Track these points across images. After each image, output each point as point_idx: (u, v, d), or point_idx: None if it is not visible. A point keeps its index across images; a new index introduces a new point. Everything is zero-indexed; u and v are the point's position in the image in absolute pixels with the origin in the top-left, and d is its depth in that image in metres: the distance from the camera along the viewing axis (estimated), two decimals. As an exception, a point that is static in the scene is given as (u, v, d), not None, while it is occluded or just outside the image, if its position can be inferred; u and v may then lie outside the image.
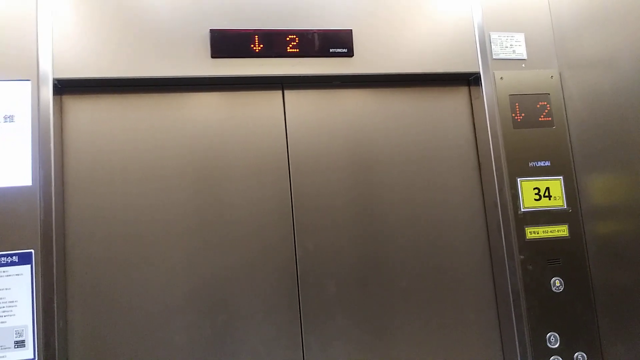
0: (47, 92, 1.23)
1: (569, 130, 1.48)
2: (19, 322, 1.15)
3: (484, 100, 1.46)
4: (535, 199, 1.43)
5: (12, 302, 1.15)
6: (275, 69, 1.38)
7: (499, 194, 1.43)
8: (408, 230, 1.45)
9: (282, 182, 1.41)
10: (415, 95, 1.52)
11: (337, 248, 1.41)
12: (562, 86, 1.50)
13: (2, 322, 1.14)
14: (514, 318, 1.37)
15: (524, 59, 1.50)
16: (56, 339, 1.16)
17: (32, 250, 1.17)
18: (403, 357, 1.39)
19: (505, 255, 1.40)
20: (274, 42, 1.37)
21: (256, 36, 1.37)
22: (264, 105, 1.44)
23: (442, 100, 1.54)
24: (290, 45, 1.38)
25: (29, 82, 1.23)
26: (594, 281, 1.40)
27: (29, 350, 1.14)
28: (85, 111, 1.33)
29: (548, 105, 1.48)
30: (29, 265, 1.16)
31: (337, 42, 1.40)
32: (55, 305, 1.17)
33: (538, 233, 1.41)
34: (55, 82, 1.27)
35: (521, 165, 1.44)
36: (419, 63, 1.46)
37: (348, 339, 1.37)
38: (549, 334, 1.36)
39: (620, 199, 1.30)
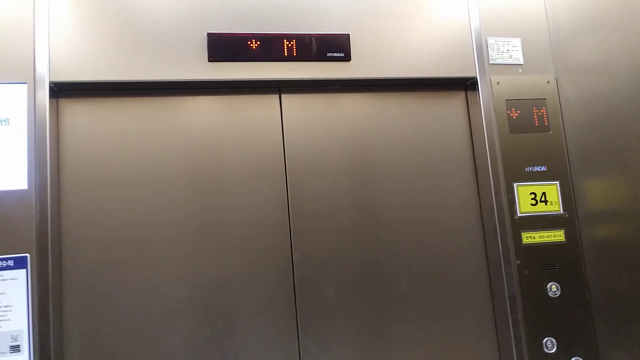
0: (44, 95, 1.23)
1: (565, 135, 1.48)
2: (14, 326, 1.14)
3: (480, 105, 1.47)
4: (532, 204, 1.43)
5: (7, 306, 1.15)
6: (272, 72, 1.38)
7: (496, 199, 1.43)
8: (404, 234, 1.45)
9: (279, 186, 1.41)
10: (412, 99, 1.53)
11: (334, 252, 1.41)
12: (558, 91, 1.50)
13: (-3, 327, 1.14)
14: (510, 323, 1.37)
15: (521, 64, 1.51)
16: (51, 344, 1.16)
17: (28, 255, 1.16)
18: (399, 362, 1.39)
19: (502, 260, 1.40)
20: (271, 46, 1.38)
21: (253, 40, 1.37)
22: (261, 109, 1.44)
23: (438, 105, 1.54)
24: (288, 49, 1.38)
25: (25, 85, 1.22)
26: (591, 286, 1.40)
27: (24, 355, 1.14)
28: (81, 114, 1.33)
29: (544, 110, 1.48)
30: (24, 270, 1.16)
31: (334, 47, 1.41)
32: (50, 309, 1.16)
33: (534, 238, 1.41)
34: (52, 85, 1.27)
35: (517, 170, 1.44)
36: (416, 67, 1.46)
37: (344, 342, 1.37)
38: (545, 339, 1.36)
39: (616, 204, 1.31)
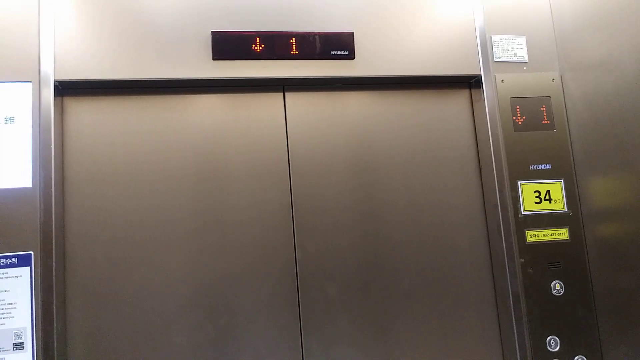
0: (48, 93, 1.23)
1: (569, 133, 1.48)
2: (17, 324, 1.14)
3: (485, 102, 1.46)
4: (536, 202, 1.43)
5: (11, 304, 1.15)
6: (276, 71, 1.38)
7: (500, 197, 1.43)
8: (408, 233, 1.45)
9: (283, 184, 1.41)
10: (416, 97, 1.52)
11: (337, 250, 1.40)
12: (563, 89, 1.50)
13: (0, 324, 1.14)
14: (514, 321, 1.37)
15: (525, 62, 1.50)
16: (55, 341, 1.16)
17: (32, 252, 1.17)
18: (403, 360, 1.39)
19: (506, 258, 1.40)
20: (275, 44, 1.37)
21: (257, 38, 1.37)
22: (265, 108, 1.44)
23: (443, 103, 1.54)
24: (292, 48, 1.38)
25: (30, 84, 1.23)
26: (595, 284, 1.40)
27: (27, 353, 1.14)
28: (86, 113, 1.33)
29: (549, 108, 1.48)
30: (28, 267, 1.16)
31: (338, 45, 1.41)
32: (54, 307, 1.16)
33: (538, 236, 1.41)
34: (57, 83, 1.27)
35: (522, 168, 1.44)
36: (421, 65, 1.46)
37: (347, 341, 1.37)
38: (549, 338, 1.36)
39: (621, 202, 1.30)
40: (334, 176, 1.44)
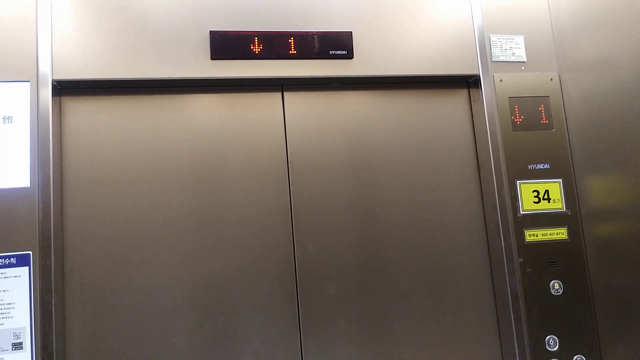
0: (46, 93, 1.23)
1: (568, 132, 1.48)
2: (16, 324, 1.14)
3: (483, 102, 1.47)
4: (535, 202, 1.43)
5: (10, 304, 1.15)
6: (275, 70, 1.38)
7: (498, 197, 1.43)
8: (407, 232, 1.45)
9: (282, 184, 1.41)
10: (414, 97, 1.53)
11: (336, 250, 1.41)
12: (561, 89, 1.50)
13: (-1, 324, 1.14)
14: (513, 321, 1.37)
15: (524, 62, 1.50)
16: (54, 341, 1.16)
17: (31, 252, 1.17)
18: (402, 360, 1.39)
19: (505, 257, 1.40)
20: (273, 44, 1.37)
21: (256, 38, 1.37)
22: (264, 107, 1.44)
23: (441, 103, 1.54)
24: (290, 47, 1.38)
25: (28, 83, 1.23)
26: (593, 284, 1.40)
27: (26, 353, 1.14)
28: (84, 112, 1.33)
29: (548, 108, 1.48)
30: (27, 267, 1.16)
31: (336, 44, 1.41)
32: (53, 307, 1.16)
33: (537, 236, 1.41)
34: (55, 83, 1.27)
35: (520, 168, 1.44)
36: (419, 65, 1.46)
37: (346, 340, 1.37)
38: (548, 337, 1.36)
39: (619, 202, 1.30)
40: (333, 176, 1.44)
